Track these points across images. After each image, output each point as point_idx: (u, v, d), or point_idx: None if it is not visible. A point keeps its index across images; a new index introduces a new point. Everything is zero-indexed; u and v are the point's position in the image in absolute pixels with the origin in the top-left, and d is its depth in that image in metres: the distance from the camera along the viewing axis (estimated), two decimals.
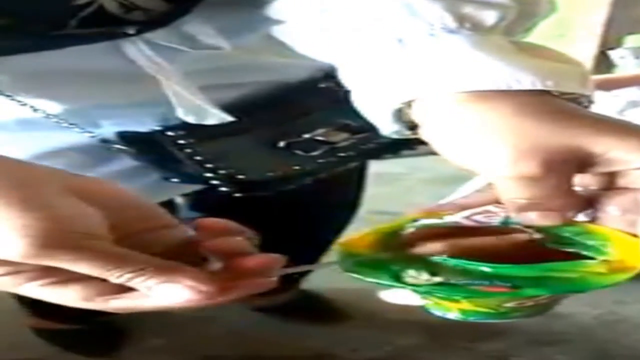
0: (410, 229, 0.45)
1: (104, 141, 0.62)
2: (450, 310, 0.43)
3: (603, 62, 1.93)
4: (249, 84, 0.66)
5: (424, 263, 0.42)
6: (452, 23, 0.43)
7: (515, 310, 0.42)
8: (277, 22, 0.53)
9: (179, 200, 1.00)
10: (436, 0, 0.43)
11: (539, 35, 0.50)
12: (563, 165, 0.39)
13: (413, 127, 0.46)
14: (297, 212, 0.95)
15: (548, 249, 0.43)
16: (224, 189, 0.66)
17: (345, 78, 0.49)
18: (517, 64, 0.42)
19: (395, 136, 0.47)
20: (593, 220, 0.42)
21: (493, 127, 0.40)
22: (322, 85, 0.67)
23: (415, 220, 0.45)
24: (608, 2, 1.79)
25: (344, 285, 1.35)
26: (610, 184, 0.42)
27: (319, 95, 0.67)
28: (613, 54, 1.91)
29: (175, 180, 0.68)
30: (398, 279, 0.41)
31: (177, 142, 0.64)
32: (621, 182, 0.41)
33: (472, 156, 0.41)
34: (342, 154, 0.68)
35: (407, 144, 0.71)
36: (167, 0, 0.53)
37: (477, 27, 0.43)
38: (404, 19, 0.43)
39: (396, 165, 1.93)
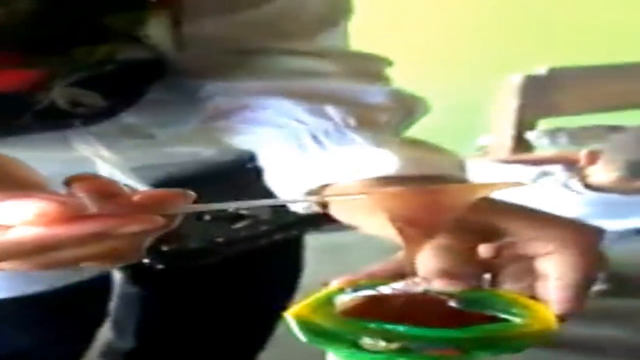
0: (341, 299, 0.45)
1: None
2: None
3: (522, 143, 2.06)
4: (178, 164, 0.72)
5: (373, 330, 0.42)
6: (353, 122, 0.53)
7: None
8: (209, 117, 0.61)
9: (117, 275, 1.04)
10: (342, 105, 0.54)
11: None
12: (468, 236, 0.46)
13: (324, 205, 0.54)
14: (236, 285, 0.98)
15: (467, 314, 0.44)
16: (145, 260, 0.71)
17: (264, 162, 0.57)
18: (404, 155, 0.51)
19: (304, 212, 0.55)
20: (493, 286, 0.47)
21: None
22: (249, 166, 0.75)
23: (342, 290, 0.46)
24: (518, 91, 1.94)
25: None
26: (506, 253, 0.47)
27: (245, 174, 0.72)
28: (530, 136, 2.05)
29: None
30: (358, 347, 0.41)
31: None
32: (514, 252, 0.47)
33: (381, 229, 0.47)
34: (264, 227, 0.76)
35: (329, 218, 0.79)
36: (106, 99, 0.60)
37: (371, 125, 0.54)
38: (317, 120, 0.54)
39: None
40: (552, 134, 2.03)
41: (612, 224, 1.41)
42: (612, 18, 2.34)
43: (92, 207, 0.37)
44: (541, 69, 1.97)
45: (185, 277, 0.89)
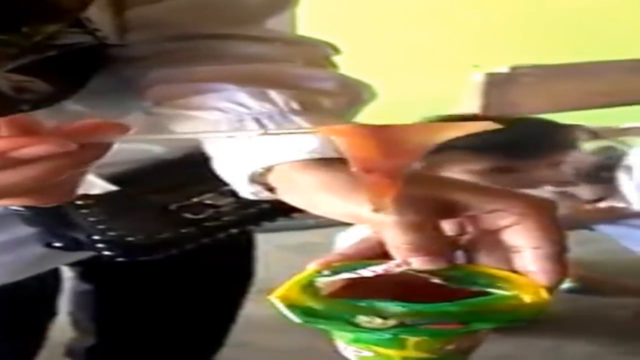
0: (322, 281, 0.45)
1: None
2: None
3: None
4: (134, 161, 0.70)
5: (366, 309, 0.42)
6: (296, 107, 0.53)
7: (451, 355, 0.43)
8: (152, 105, 0.60)
9: (68, 273, 1.02)
10: (285, 90, 0.54)
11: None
12: (432, 213, 0.45)
13: (271, 189, 0.53)
14: (190, 276, 0.98)
15: (451, 290, 0.44)
16: (108, 253, 0.70)
17: (209, 148, 0.56)
18: None
19: (253, 197, 0.54)
20: (469, 263, 0.46)
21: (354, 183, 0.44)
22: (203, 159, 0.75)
23: (320, 274, 0.45)
24: (480, 89, 1.96)
25: None
26: (471, 228, 0.46)
27: (206, 164, 0.75)
28: None
29: (58, 245, 0.71)
30: (355, 325, 0.41)
31: (74, 202, 0.67)
32: (478, 226, 0.46)
33: (340, 210, 0.47)
34: (225, 218, 0.75)
35: (284, 213, 0.79)
36: (51, 83, 0.59)
37: (315, 110, 0.53)
38: (260, 104, 0.53)
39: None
40: None
41: None
42: (574, 17, 2.37)
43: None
44: (504, 67, 1.99)
45: (137, 271, 0.88)
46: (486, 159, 1.56)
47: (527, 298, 0.43)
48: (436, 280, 0.44)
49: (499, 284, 0.44)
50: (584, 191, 1.84)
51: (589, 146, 2.13)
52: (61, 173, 0.39)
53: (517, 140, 1.56)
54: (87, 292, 1.05)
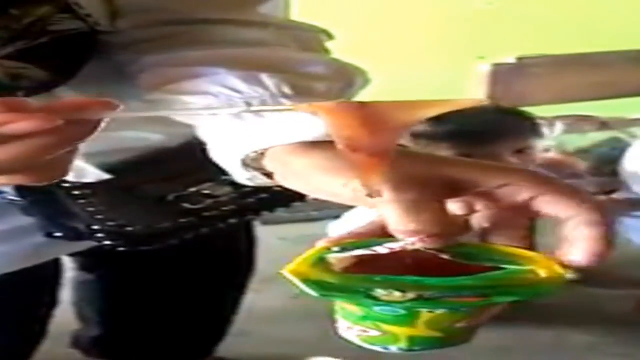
0: (333, 257, 0.44)
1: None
2: (397, 341, 0.43)
3: None
4: (132, 149, 0.71)
5: (383, 283, 0.42)
6: (288, 91, 0.53)
7: (461, 332, 0.43)
8: (145, 91, 0.60)
9: (70, 264, 1.02)
10: (277, 74, 0.53)
11: None
12: (435, 190, 0.44)
13: (268, 175, 0.53)
14: (190, 265, 0.98)
15: (465, 266, 0.43)
16: (108, 243, 0.71)
17: (204, 135, 0.56)
18: None
19: (250, 183, 0.54)
20: (483, 241, 0.46)
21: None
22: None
23: (329, 250, 0.45)
24: (487, 80, 1.96)
25: (260, 353, 1.41)
26: (480, 206, 0.45)
27: (204, 153, 0.75)
28: None
29: (59, 235, 0.72)
30: (373, 298, 0.41)
31: (72, 193, 0.68)
32: (488, 202, 0.45)
33: (335, 192, 0.46)
34: (224, 208, 0.75)
35: (283, 203, 0.79)
36: (46, 70, 0.59)
37: (308, 94, 0.53)
38: (252, 87, 0.53)
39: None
40: None
41: None
42: (582, 7, 2.36)
43: None
44: (510, 58, 1.98)
45: (139, 261, 0.89)
46: (447, 147, 1.55)
47: (543, 273, 0.42)
48: (449, 257, 0.43)
49: (513, 260, 0.44)
50: (589, 184, 1.83)
51: (595, 137, 2.12)
52: (49, 150, 0.39)
53: (477, 128, 1.57)
54: (89, 282, 1.06)
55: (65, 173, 0.42)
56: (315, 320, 1.41)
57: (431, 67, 2.17)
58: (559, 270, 0.42)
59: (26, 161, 0.39)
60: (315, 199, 0.51)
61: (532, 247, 0.45)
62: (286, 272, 0.42)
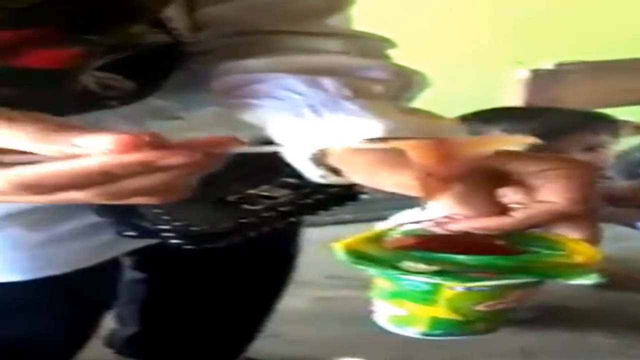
0: (391, 236, 0.50)
1: None
2: (417, 322, 0.48)
3: None
4: None
5: (417, 257, 0.47)
6: (348, 93, 0.56)
7: (482, 318, 0.47)
8: (220, 95, 0.64)
9: (125, 261, 1.05)
10: (338, 78, 0.58)
11: None
12: (484, 181, 0.49)
13: (336, 171, 0.56)
14: (240, 267, 1.00)
15: (511, 249, 0.49)
16: (175, 241, 0.74)
17: (271, 134, 0.60)
18: (402, 120, 0.54)
19: (322, 181, 0.57)
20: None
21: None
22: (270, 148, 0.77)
23: (392, 230, 0.51)
24: (525, 86, 1.96)
25: (288, 354, 1.43)
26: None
27: (263, 157, 0.78)
28: None
29: (131, 233, 0.75)
30: (398, 269, 0.46)
31: None
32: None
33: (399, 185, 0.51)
34: (282, 209, 0.78)
35: (338, 202, 0.81)
36: (134, 81, 0.63)
37: (366, 96, 0.57)
38: (313, 91, 0.57)
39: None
40: None
41: None
42: (619, 13, 2.35)
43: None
44: (548, 64, 1.98)
45: (187, 261, 0.91)
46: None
47: (578, 258, 0.46)
48: (498, 242, 0.49)
49: (554, 247, 0.48)
50: (622, 187, 1.83)
51: (630, 142, 2.11)
52: (186, 179, 0.45)
53: (551, 125, 1.60)
54: (138, 281, 1.08)
55: (189, 194, 0.47)
56: (343, 322, 1.43)
57: (471, 72, 2.18)
58: (597, 256, 0.46)
59: (165, 187, 0.44)
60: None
61: (595, 237, 0.48)
62: (335, 245, 0.47)
